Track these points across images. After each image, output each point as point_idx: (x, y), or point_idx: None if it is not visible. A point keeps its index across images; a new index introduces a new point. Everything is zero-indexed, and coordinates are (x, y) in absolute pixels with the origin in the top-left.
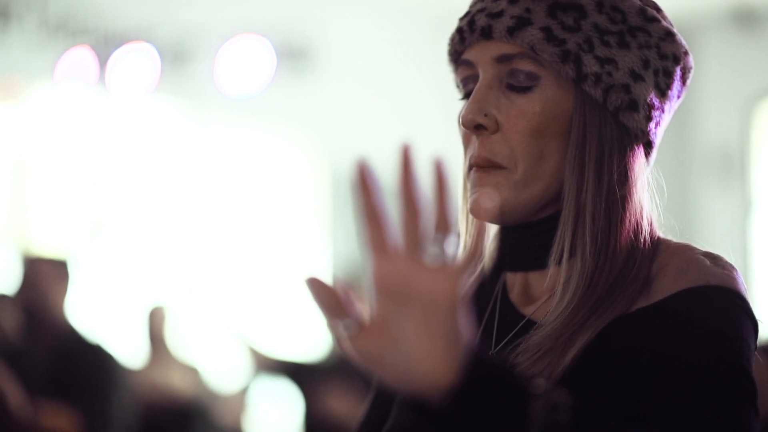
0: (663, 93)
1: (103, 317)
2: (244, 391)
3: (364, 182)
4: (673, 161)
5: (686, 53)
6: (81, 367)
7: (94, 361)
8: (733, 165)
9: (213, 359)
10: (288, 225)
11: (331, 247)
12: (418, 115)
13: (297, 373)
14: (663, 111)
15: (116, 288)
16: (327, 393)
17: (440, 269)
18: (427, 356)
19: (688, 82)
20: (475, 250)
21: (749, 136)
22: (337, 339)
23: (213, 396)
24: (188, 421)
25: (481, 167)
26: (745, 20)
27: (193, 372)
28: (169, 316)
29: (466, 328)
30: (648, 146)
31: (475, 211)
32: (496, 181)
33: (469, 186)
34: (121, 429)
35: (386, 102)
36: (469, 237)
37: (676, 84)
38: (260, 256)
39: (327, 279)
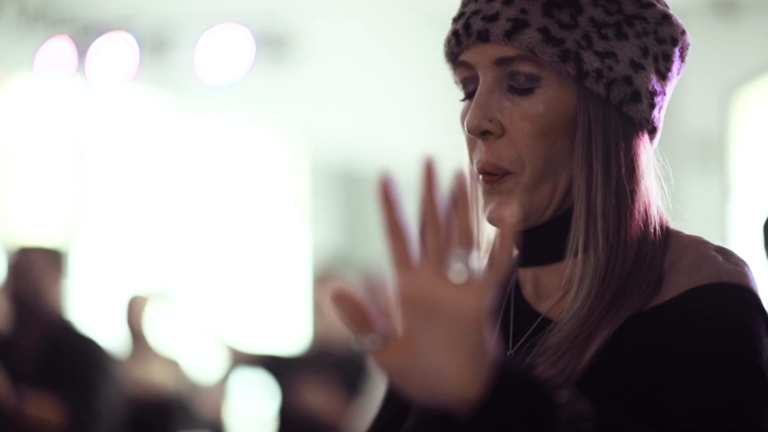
0: (664, 76)
1: (87, 308)
2: (223, 383)
3: (387, 197)
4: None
5: (683, 32)
6: (70, 358)
7: (83, 352)
8: (713, 152)
9: (192, 351)
10: (268, 215)
11: (311, 237)
12: (399, 104)
13: (274, 366)
14: (664, 94)
15: (98, 278)
16: (303, 386)
17: (465, 283)
18: (452, 370)
19: (687, 58)
20: (501, 262)
21: (728, 123)
22: (364, 352)
23: (192, 387)
24: (168, 413)
25: (488, 173)
26: (724, 8)
27: (172, 364)
28: (148, 307)
29: (491, 341)
30: (652, 132)
31: (495, 222)
32: (508, 188)
33: (481, 194)
34: (109, 420)
35: (366, 91)
36: (484, 246)
37: (676, 64)
38: (240, 247)
39: (354, 292)
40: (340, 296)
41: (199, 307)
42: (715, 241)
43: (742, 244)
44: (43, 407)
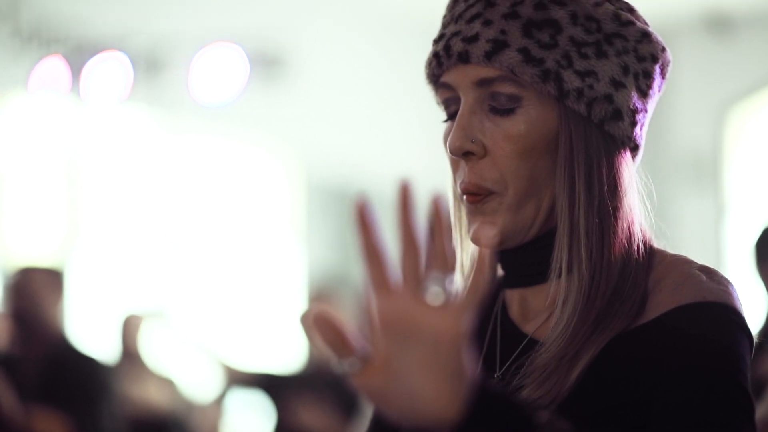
0: (645, 94)
1: (83, 326)
2: (219, 402)
3: (364, 220)
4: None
5: (663, 50)
6: (72, 377)
7: (85, 370)
8: (706, 170)
9: (187, 369)
10: (262, 234)
11: (305, 256)
12: (393, 123)
13: (270, 385)
14: (646, 111)
15: (93, 297)
16: (299, 405)
17: (442, 306)
18: (431, 392)
19: (668, 74)
20: (477, 284)
21: (722, 141)
22: (343, 374)
23: (188, 406)
24: (164, 431)
25: (472, 194)
26: (717, 26)
27: (167, 382)
28: (143, 325)
29: (469, 363)
30: (634, 149)
31: (477, 241)
32: (492, 209)
33: (463, 214)
34: None
35: (360, 109)
36: (469, 266)
37: (657, 81)
38: (235, 266)
39: (333, 315)
40: (320, 319)
41: (195, 326)
42: (710, 259)
43: (737, 262)
44: (48, 423)
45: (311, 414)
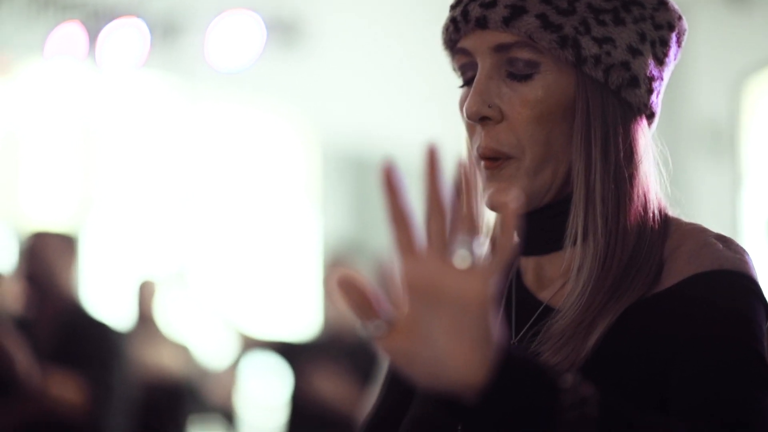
0: (661, 61)
1: (99, 292)
2: (233, 368)
3: (390, 184)
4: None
5: (680, 18)
6: (84, 342)
7: (97, 335)
8: (723, 140)
9: (202, 336)
10: (278, 201)
11: (321, 223)
12: (410, 89)
13: (285, 352)
14: (662, 79)
15: (109, 263)
16: (315, 372)
17: (469, 270)
18: (457, 356)
19: (684, 43)
20: (504, 247)
21: (739, 111)
22: (367, 337)
23: (202, 372)
24: (177, 397)
25: (488, 158)
26: None
27: (181, 348)
28: (158, 291)
29: (496, 327)
30: (650, 117)
31: (495, 207)
32: (509, 173)
33: (481, 180)
34: (122, 403)
35: (377, 76)
36: (494, 233)
37: (673, 49)
38: (251, 233)
39: (358, 277)
40: (345, 282)
41: (210, 293)
42: (725, 228)
43: (752, 232)
44: (63, 386)
45: (327, 381)
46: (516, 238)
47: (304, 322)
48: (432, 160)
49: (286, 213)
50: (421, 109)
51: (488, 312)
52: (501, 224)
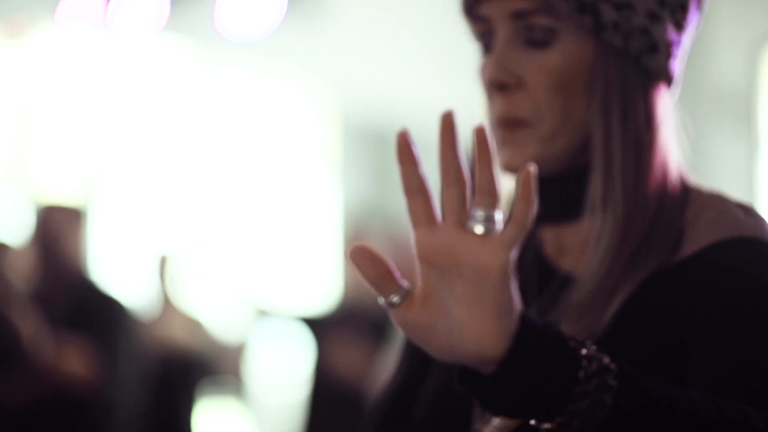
0: (681, 27)
1: (110, 266)
2: (246, 343)
3: (405, 153)
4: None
5: None
6: (93, 317)
7: (106, 311)
8: (741, 109)
9: (215, 310)
10: (298, 171)
11: (341, 193)
12: (430, 58)
13: (306, 325)
14: (681, 44)
15: (121, 236)
16: (336, 345)
17: (487, 239)
18: (475, 327)
19: (704, 8)
20: (522, 215)
21: (757, 78)
22: (385, 310)
23: (215, 347)
24: (189, 372)
25: (506, 124)
26: None
27: (194, 322)
28: (172, 265)
29: (516, 299)
30: (670, 83)
31: (507, 167)
32: (523, 138)
33: (496, 144)
34: (131, 379)
35: (397, 44)
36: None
37: (693, 14)
38: (270, 204)
39: (372, 249)
40: (360, 253)
41: (227, 266)
42: (743, 197)
43: None
44: (73, 361)
45: (348, 354)
46: (535, 206)
47: (325, 294)
48: (447, 128)
49: (306, 183)
50: (441, 77)
51: (507, 282)
52: (518, 191)
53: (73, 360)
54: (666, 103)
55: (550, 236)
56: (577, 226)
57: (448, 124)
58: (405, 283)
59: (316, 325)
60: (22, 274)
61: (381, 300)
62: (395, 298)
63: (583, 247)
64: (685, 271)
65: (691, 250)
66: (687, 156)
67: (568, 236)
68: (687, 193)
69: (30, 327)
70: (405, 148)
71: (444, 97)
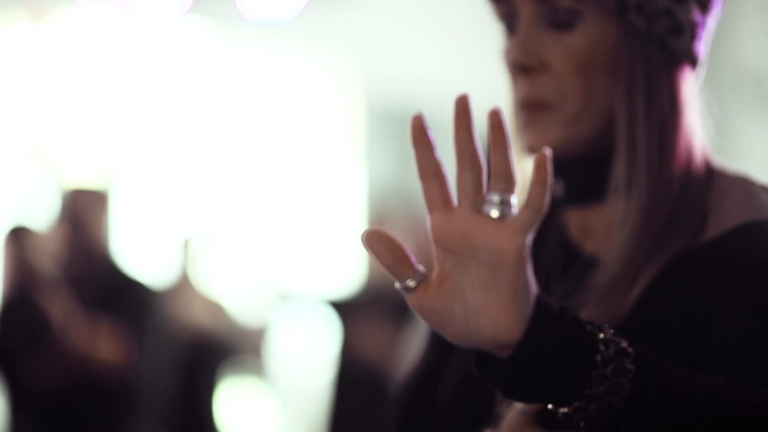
0: (705, 8)
1: (134, 248)
2: (267, 325)
3: (420, 137)
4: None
5: None
6: (121, 301)
7: (133, 294)
8: (766, 90)
9: (236, 292)
10: (322, 153)
11: (366, 175)
12: (453, 40)
13: (331, 308)
14: (706, 26)
15: (145, 218)
16: (361, 329)
17: (503, 222)
18: (491, 311)
19: None
20: (538, 199)
21: None
22: (401, 293)
23: (237, 329)
24: (212, 354)
25: (530, 107)
26: None
27: (216, 305)
28: (194, 247)
29: (532, 284)
30: (695, 65)
31: (531, 149)
32: (546, 120)
33: (519, 126)
34: (159, 363)
35: (422, 26)
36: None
37: None
38: (294, 186)
39: (388, 233)
40: (376, 237)
41: (250, 248)
42: None
43: None
44: (101, 344)
45: (373, 337)
46: (552, 190)
47: (349, 277)
48: (462, 111)
49: (330, 165)
50: (464, 59)
51: (523, 266)
52: (534, 175)
53: (103, 343)
54: (690, 85)
55: (574, 219)
56: (602, 209)
57: (463, 107)
58: (421, 268)
59: (340, 308)
60: (49, 257)
61: (397, 284)
62: (411, 283)
63: (607, 229)
64: (709, 254)
65: (715, 233)
66: (712, 138)
67: (593, 219)
68: (711, 175)
69: (59, 311)
70: (420, 132)
71: (468, 80)
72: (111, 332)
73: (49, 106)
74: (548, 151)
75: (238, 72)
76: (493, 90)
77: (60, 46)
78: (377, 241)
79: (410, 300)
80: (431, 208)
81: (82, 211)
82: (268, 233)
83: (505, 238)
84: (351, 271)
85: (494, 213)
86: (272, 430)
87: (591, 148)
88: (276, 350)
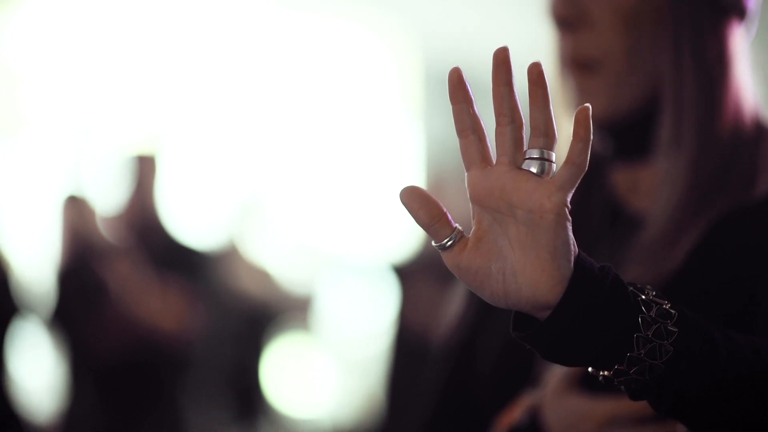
0: None
1: (186, 214)
2: (317, 293)
3: (458, 92)
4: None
5: None
6: (179, 268)
7: (190, 261)
8: None
9: (285, 260)
10: (378, 116)
11: (422, 137)
12: (511, 2)
13: (390, 272)
14: None
15: (194, 185)
16: (417, 293)
17: (543, 180)
18: (530, 270)
19: None
20: (579, 156)
21: None
22: (439, 252)
23: (283, 297)
24: (258, 323)
25: (575, 65)
26: None
27: (264, 274)
28: (247, 213)
29: (572, 243)
30: (744, 18)
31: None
32: (595, 86)
33: (568, 88)
34: (213, 331)
35: None
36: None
37: None
38: (350, 149)
39: (425, 191)
40: (412, 195)
41: (301, 216)
42: None
43: None
44: (157, 312)
45: (428, 302)
46: (591, 147)
47: (406, 242)
48: (501, 64)
49: (386, 129)
50: (522, 21)
51: (563, 224)
52: (575, 131)
53: (160, 309)
54: (739, 39)
55: (623, 178)
56: (651, 167)
57: (502, 59)
58: (458, 226)
59: (397, 273)
60: (106, 225)
61: (434, 243)
62: (448, 242)
63: (655, 187)
64: (758, 215)
65: (765, 190)
66: (762, 93)
67: (642, 177)
68: (762, 131)
69: (117, 278)
70: (458, 86)
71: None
72: (168, 298)
73: (98, 71)
74: (589, 107)
75: (295, 35)
76: (549, 50)
77: (109, 10)
78: (413, 199)
79: (446, 259)
80: (469, 164)
81: (141, 177)
82: (323, 199)
83: (545, 195)
84: (408, 236)
85: (534, 169)
86: (325, 398)
87: (639, 108)
88: (329, 317)
